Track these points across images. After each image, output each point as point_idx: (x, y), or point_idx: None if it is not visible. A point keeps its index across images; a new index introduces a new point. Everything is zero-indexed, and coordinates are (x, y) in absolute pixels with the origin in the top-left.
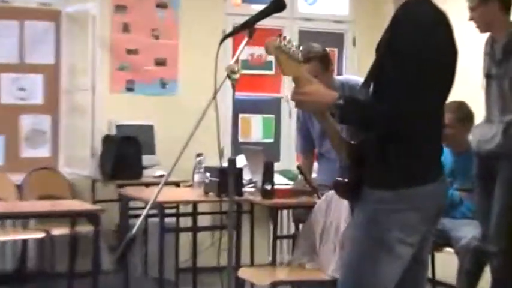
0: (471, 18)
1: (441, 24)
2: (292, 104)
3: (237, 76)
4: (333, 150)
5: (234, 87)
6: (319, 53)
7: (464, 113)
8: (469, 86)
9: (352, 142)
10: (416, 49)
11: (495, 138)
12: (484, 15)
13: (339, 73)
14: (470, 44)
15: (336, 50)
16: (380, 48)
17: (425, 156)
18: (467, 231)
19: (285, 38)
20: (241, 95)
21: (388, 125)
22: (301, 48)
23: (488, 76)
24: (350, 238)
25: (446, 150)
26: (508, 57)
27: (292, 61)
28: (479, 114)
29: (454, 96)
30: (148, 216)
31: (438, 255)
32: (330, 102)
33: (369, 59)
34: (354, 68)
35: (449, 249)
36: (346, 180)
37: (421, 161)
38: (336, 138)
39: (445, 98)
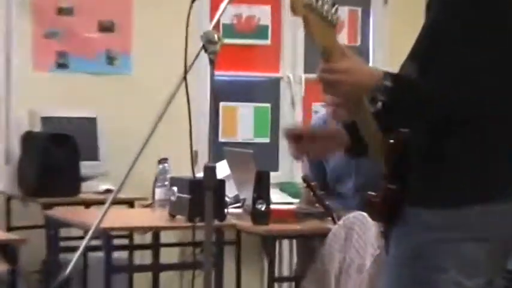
0: None
1: None
2: (297, 89)
3: (217, 47)
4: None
5: (212, 63)
6: None
7: None
8: None
9: (392, 141)
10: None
11: None
12: None
13: (364, 43)
14: None
15: (359, 10)
16: (433, 6)
17: (498, 161)
18: None
19: None
20: (223, 74)
21: (446, 111)
22: (336, 6)
23: None
24: (384, 279)
25: None
26: None
27: (325, 25)
28: None
29: None
30: (88, 249)
31: None
32: (372, 83)
33: (406, 23)
34: (385, 35)
35: None
36: (381, 195)
37: (493, 168)
38: (372, 137)
39: None
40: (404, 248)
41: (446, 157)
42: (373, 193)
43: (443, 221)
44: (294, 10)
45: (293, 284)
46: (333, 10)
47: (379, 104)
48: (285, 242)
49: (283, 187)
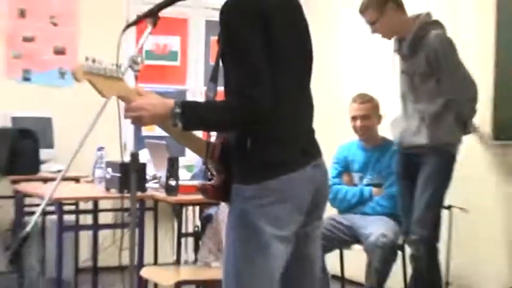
0: (374, 31)
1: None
2: (198, 97)
3: (139, 67)
4: None
5: (136, 78)
6: None
7: (376, 104)
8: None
9: (211, 140)
10: (234, 33)
11: (420, 130)
12: (385, 24)
13: None
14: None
15: None
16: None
17: (285, 143)
18: (376, 227)
19: (94, 60)
20: (144, 86)
21: (239, 119)
22: (117, 63)
23: (401, 72)
24: (226, 240)
25: (357, 145)
26: (414, 54)
27: (112, 80)
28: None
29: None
30: (45, 213)
31: (347, 253)
32: (166, 112)
33: None
34: None
35: (358, 247)
36: (212, 182)
37: (280, 149)
38: (190, 143)
39: (301, 79)
40: (234, 216)
41: (250, 147)
42: (207, 182)
43: (257, 191)
44: (76, 78)
45: (194, 238)
46: (116, 67)
47: (180, 125)
48: (190, 208)
49: (189, 168)
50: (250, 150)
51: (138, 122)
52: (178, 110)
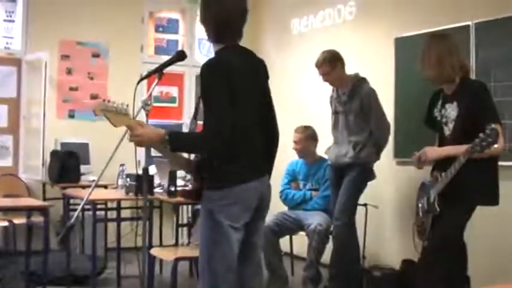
0: (325, 81)
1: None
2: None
3: (149, 107)
4: None
5: (147, 115)
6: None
7: (310, 133)
8: (319, 118)
9: (192, 158)
10: (207, 85)
11: (348, 154)
12: (336, 77)
13: None
14: (323, 94)
15: None
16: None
17: (240, 164)
18: (315, 219)
19: (109, 100)
20: (152, 121)
21: (206, 146)
22: (126, 104)
23: (335, 112)
24: (200, 229)
25: (301, 162)
26: (351, 100)
27: (121, 115)
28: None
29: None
30: (84, 210)
31: (294, 237)
32: (159, 138)
33: None
34: None
35: (302, 233)
36: (190, 188)
37: (236, 168)
38: (177, 160)
39: (255, 117)
40: (204, 212)
41: (216, 165)
42: (186, 188)
43: (219, 195)
44: (94, 112)
45: (187, 227)
46: (124, 106)
47: (168, 147)
48: (184, 206)
49: (184, 178)
50: (215, 168)
51: (139, 144)
52: (167, 137)
